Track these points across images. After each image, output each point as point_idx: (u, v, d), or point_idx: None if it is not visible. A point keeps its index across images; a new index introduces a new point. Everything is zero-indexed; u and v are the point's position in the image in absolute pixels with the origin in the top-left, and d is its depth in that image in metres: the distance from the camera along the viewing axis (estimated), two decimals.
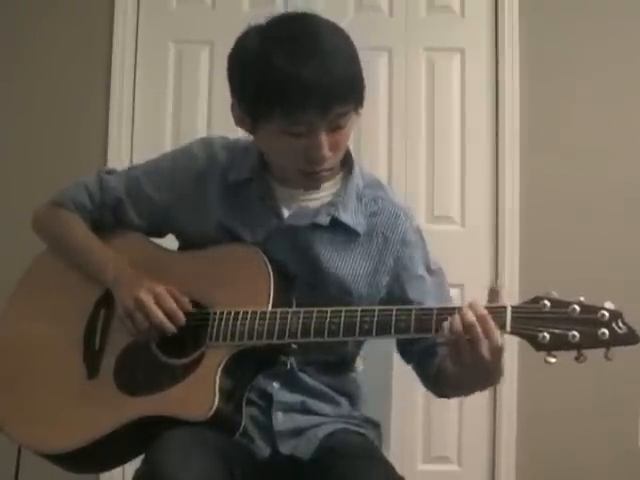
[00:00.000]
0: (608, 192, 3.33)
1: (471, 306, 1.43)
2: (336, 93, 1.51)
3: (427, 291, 1.71)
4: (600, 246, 3.32)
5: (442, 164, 3.42)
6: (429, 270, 1.73)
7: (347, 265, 1.68)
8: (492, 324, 1.41)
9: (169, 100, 3.43)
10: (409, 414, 3.22)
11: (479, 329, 1.41)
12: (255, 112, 1.57)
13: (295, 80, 1.48)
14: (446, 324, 1.43)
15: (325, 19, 1.59)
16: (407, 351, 1.74)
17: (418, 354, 1.71)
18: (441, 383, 1.67)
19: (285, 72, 1.49)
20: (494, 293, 1.46)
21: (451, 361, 1.50)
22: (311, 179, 1.63)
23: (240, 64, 1.59)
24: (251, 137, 1.67)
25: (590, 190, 3.34)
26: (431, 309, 1.48)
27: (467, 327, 1.41)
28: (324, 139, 1.55)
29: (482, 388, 1.60)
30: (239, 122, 1.63)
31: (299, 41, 1.52)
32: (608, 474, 3.21)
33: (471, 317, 1.41)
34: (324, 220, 1.66)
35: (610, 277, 3.25)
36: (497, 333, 1.41)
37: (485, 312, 1.41)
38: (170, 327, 1.59)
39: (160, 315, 1.59)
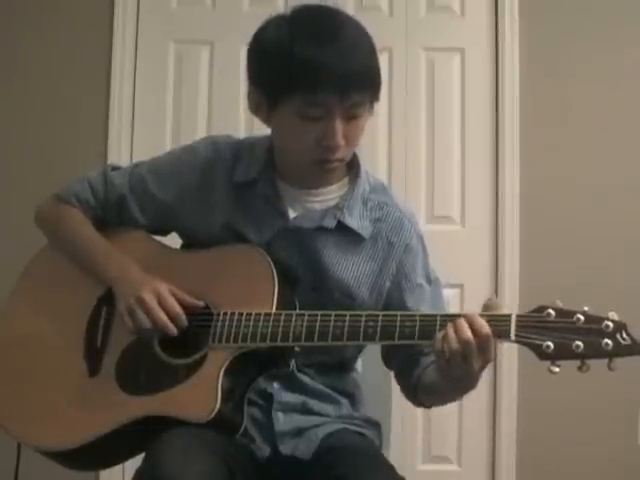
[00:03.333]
0: (608, 192, 3.33)
1: (468, 318, 1.41)
2: (356, 79, 1.54)
3: (425, 300, 1.70)
4: (600, 247, 3.32)
5: (442, 164, 3.42)
6: (428, 279, 1.73)
7: (351, 269, 1.67)
8: (489, 341, 1.39)
9: (169, 100, 3.43)
10: (409, 414, 3.20)
11: (474, 345, 1.39)
12: (275, 93, 1.57)
13: (318, 62, 1.51)
14: (439, 335, 1.42)
15: (348, 14, 1.64)
16: (390, 357, 1.74)
17: (400, 362, 1.71)
18: (420, 393, 1.67)
19: (309, 54, 1.52)
20: (490, 307, 1.44)
21: (438, 370, 1.49)
22: (322, 169, 1.63)
23: (263, 48, 1.60)
24: (257, 134, 1.67)
25: (590, 190, 3.34)
26: (434, 316, 1.48)
27: (463, 343, 1.40)
28: (339, 126, 1.56)
29: (460, 397, 1.61)
30: (255, 109, 1.64)
31: (323, 29, 1.56)
32: (608, 474, 3.21)
33: (467, 333, 1.39)
34: (330, 223, 1.66)
35: (610, 277, 3.25)
36: (492, 349, 1.40)
37: (482, 324, 1.39)
38: (172, 329, 1.59)
39: (162, 316, 1.58)
